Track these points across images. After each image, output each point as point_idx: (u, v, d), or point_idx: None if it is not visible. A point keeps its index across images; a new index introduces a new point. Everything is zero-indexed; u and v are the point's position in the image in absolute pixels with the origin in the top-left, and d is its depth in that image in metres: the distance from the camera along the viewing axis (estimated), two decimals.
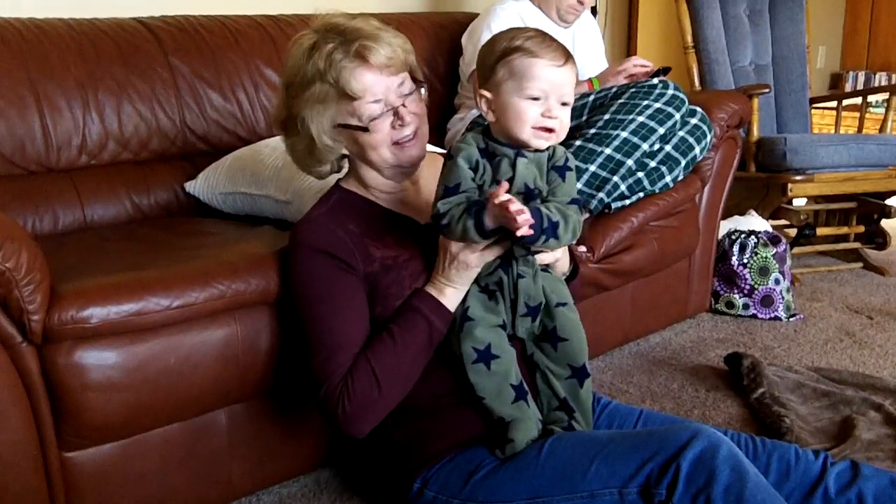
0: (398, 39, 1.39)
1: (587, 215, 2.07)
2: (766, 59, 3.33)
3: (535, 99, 1.27)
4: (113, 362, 1.33)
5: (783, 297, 2.57)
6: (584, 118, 2.10)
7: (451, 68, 2.57)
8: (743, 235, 2.60)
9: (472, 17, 2.57)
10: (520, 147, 1.29)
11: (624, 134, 1.99)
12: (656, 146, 2.05)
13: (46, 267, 1.30)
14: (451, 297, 1.35)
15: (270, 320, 1.49)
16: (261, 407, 1.57)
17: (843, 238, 3.22)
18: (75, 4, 2.16)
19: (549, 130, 1.28)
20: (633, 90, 2.06)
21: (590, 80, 2.32)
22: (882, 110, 4.08)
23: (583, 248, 2.00)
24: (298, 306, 1.39)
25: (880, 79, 5.18)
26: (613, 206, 2.07)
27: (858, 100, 3.43)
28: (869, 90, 3.44)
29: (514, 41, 1.28)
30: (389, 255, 1.39)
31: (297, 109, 1.39)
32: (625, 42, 4.08)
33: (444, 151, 1.42)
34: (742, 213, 2.80)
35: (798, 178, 2.76)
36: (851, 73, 5.27)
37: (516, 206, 1.18)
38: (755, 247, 2.57)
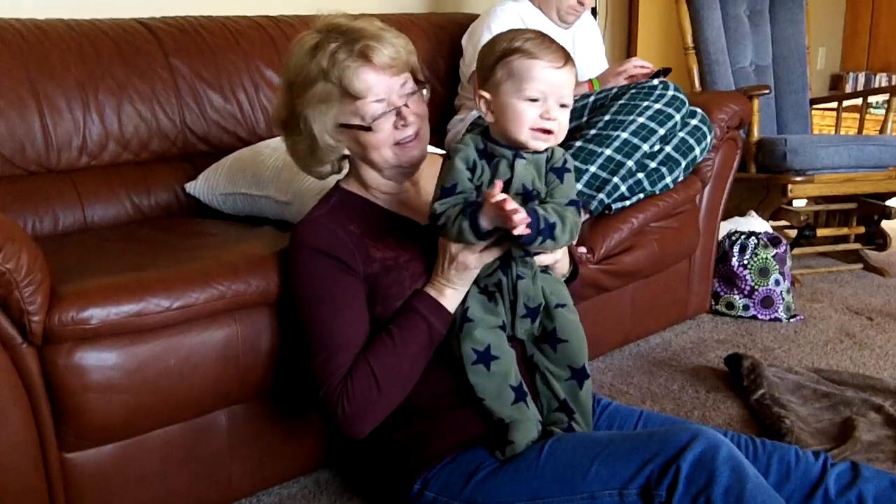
0: (401, 40, 1.39)
1: (587, 216, 2.07)
2: (766, 60, 3.33)
3: (534, 100, 1.27)
4: (113, 363, 1.33)
5: (783, 298, 2.57)
6: (585, 119, 2.10)
7: (452, 69, 2.57)
8: (743, 236, 2.60)
9: (473, 18, 2.57)
10: (518, 148, 1.30)
11: (624, 135, 1.99)
12: (656, 147, 2.05)
13: (47, 268, 1.30)
14: (450, 297, 1.35)
15: (271, 321, 1.49)
16: (261, 408, 1.57)
17: (844, 239, 3.22)
18: (75, 5, 2.16)
19: (548, 132, 1.28)
20: (633, 91, 2.06)
21: (590, 81, 2.32)
22: (882, 111, 4.08)
23: (583, 249, 2.00)
24: (298, 307, 1.39)
25: (880, 80, 5.18)
26: (614, 206, 2.07)
27: (859, 101, 3.43)
28: (869, 91, 3.44)
29: (513, 42, 1.28)
30: (390, 255, 1.39)
31: (300, 109, 1.39)
32: (625, 43, 4.08)
33: (445, 152, 1.42)
34: (742, 214, 2.80)
35: (798, 178, 2.76)
36: (852, 74, 5.27)
37: (512, 205, 1.18)
38: (755, 248, 2.57)
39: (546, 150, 1.31)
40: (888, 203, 3.06)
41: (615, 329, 2.28)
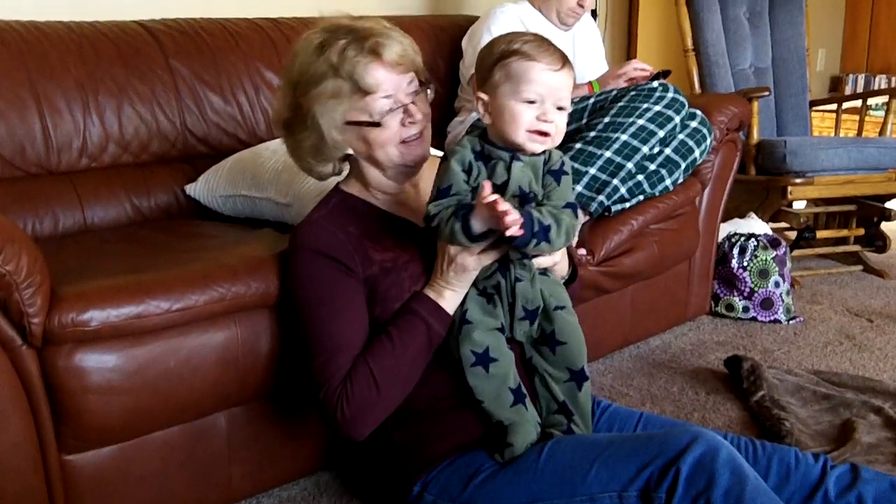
0: (407, 40, 1.41)
1: (587, 218, 2.07)
2: (765, 62, 3.33)
3: (531, 102, 1.27)
4: (113, 365, 1.33)
5: (783, 300, 2.57)
6: (584, 121, 2.10)
7: (452, 71, 2.57)
8: (743, 238, 2.60)
9: (473, 19, 2.57)
10: (515, 150, 1.30)
11: (624, 137, 1.99)
12: (656, 149, 2.05)
13: (46, 270, 1.30)
14: (449, 299, 1.35)
15: (270, 323, 1.49)
16: (260, 410, 1.57)
17: (843, 241, 3.22)
18: (76, 6, 2.16)
19: (544, 134, 1.28)
20: (633, 93, 2.06)
21: (590, 83, 2.32)
22: (882, 113, 4.07)
23: (583, 251, 2.00)
24: (298, 308, 1.39)
25: (880, 81, 5.18)
26: (613, 208, 2.07)
27: (858, 103, 3.43)
28: (869, 93, 3.43)
29: (511, 44, 1.28)
30: (389, 257, 1.39)
31: (307, 107, 1.38)
32: (625, 45, 4.08)
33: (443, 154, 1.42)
34: (742, 216, 2.79)
35: (798, 180, 2.76)
36: (851, 76, 5.27)
37: (504, 205, 1.18)
38: (755, 249, 2.57)
39: (543, 152, 1.31)
40: (888, 205, 3.06)
41: (615, 331, 2.28)
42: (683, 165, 2.11)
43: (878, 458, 1.70)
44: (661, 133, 2.02)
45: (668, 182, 2.11)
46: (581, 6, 2.38)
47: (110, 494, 1.42)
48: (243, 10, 2.37)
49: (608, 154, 1.99)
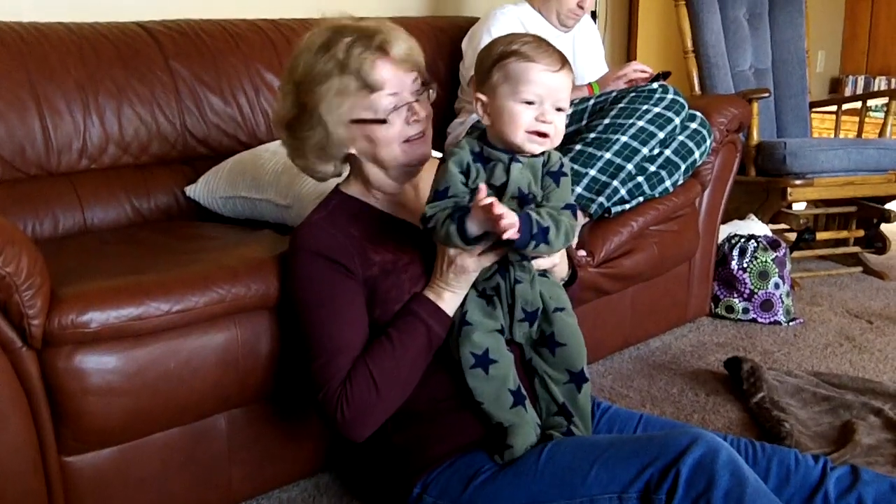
0: (412, 40, 1.41)
1: (587, 220, 2.07)
2: (765, 64, 3.33)
3: (530, 103, 1.27)
4: (113, 366, 1.33)
5: (783, 302, 2.57)
6: (584, 122, 2.10)
7: (452, 72, 2.57)
8: (743, 239, 2.61)
9: (473, 21, 2.57)
10: (514, 151, 1.30)
11: (624, 138, 1.99)
12: (656, 150, 2.05)
13: (46, 271, 1.30)
14: (449, 301, 1.35)
15: (270, 325, 1.49)
16: (261, 411, 1.57)
17: (843, 242, 3.22)
18: (76, 8, 2.17)
19: (543, 135, 1.28)
20: (632, 95, 2.06)
21: (590, 84, 2.32)
22: (881, 114, 4.07)
23: (583, 253, 2.00)
24: (298, 310, 1.39)
25: (880, 83, 5.18)
26: (613, 210, 2.07)
27: (858, 104, 3.43)
28: (868, 94, 3.44)
29: (510, 46, 1.29)
30: (389, 259, 1.39)
31: (312, 105, 1.38)
32: (624, 46, 4.08)
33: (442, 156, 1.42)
34: (742, 218, 2.80)
35: (798, 182, 2.76)
36: (851, 78, 5.27)
37: (500, 209, 1.18)
38: (755, 251, 2.57)
39: (542, 153, 1.31)
40: (888, 206, 3.06)
41: (615, 332, 2.28)
42: (683, 167, 2.11)
43: (878, 460, 1.70)
44: (661, 134, 2.02)
45: (668, 183, 2.11)
46: (581, 7, 2.38)
47: (110, 496, 1.41)
48: (243, 12, 2.37)
49: (608, 155, 1.99)
